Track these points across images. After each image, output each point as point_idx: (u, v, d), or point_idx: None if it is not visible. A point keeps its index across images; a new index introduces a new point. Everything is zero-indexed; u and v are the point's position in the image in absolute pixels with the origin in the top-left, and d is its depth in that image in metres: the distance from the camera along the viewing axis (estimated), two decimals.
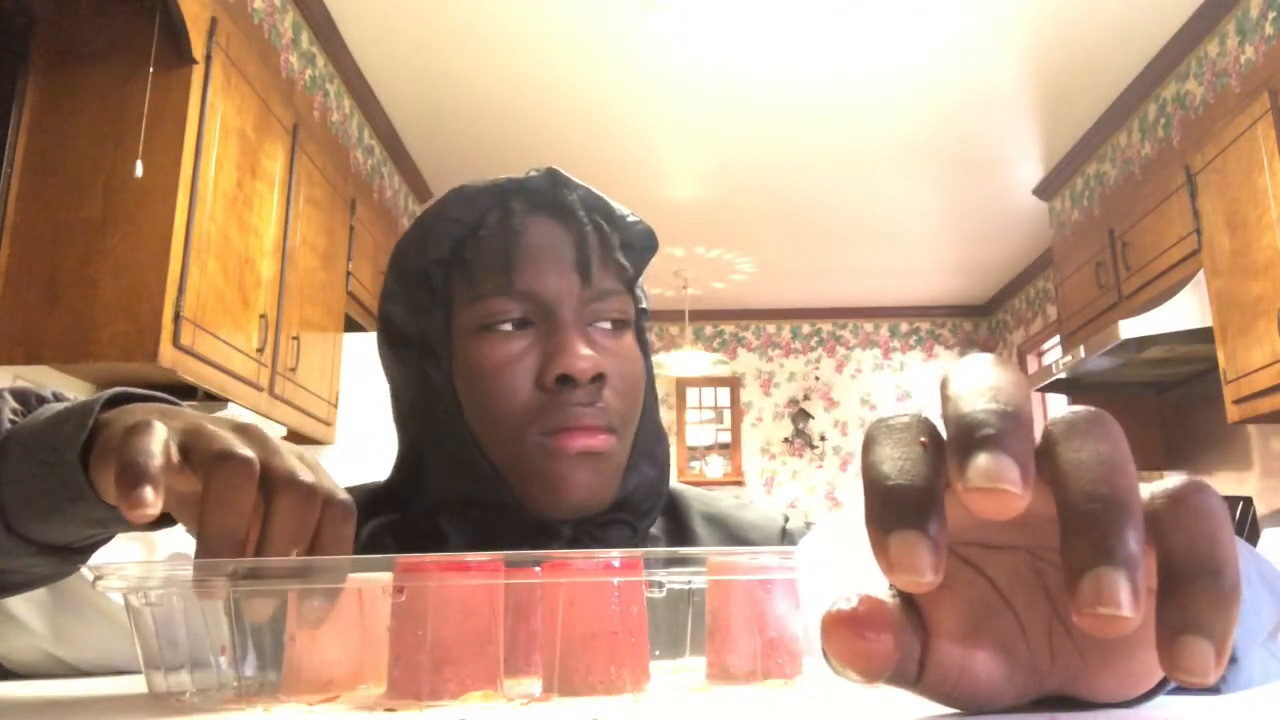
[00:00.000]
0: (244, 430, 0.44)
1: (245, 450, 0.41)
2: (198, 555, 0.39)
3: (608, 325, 0.68)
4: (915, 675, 0.30)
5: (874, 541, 0.26)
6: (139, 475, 0.39)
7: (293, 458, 0.43)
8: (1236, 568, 0.25)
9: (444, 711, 0.34)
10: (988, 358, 0.29)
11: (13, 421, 0.48)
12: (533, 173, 0.70)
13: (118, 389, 0.48)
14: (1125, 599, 0.24)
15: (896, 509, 0.26)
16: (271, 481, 0.41)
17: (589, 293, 0.67)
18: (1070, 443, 0.27)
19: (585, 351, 0.64)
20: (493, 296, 0.65)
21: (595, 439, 0.64)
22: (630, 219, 0.71)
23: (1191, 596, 0.24)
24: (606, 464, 0.65)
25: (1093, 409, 0.28)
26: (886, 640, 0.28)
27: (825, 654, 0.29)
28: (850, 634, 0.28)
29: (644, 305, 0.72)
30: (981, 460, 0.25)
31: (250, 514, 0.40)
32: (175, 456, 0.42)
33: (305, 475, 0.42)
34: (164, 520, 0.47)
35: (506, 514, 0.65)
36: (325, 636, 0.38)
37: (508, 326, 0.65)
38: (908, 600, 0.30)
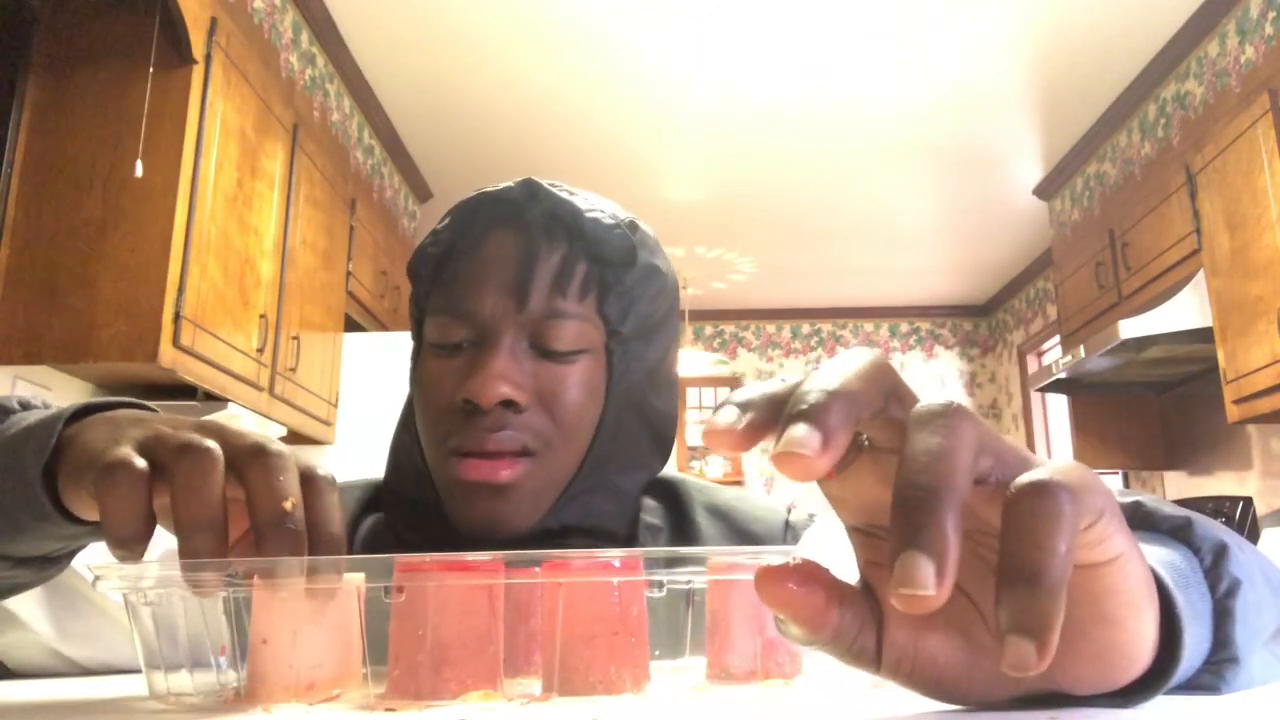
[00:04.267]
0: (202, 425, 0.43)
1: (205, 441, 0.41)
2: (180, 552, 0.39)
3: (548, 350, 0.64)
4: (875, 656, 0.32)
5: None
6: (123, 542, 0.39)
7: (259, 435, 0.43)
8: (1059, 570, 0.26)
9: (444, 711, 0.34)
10: (851, 351, 0.31)
11: None
12: (511, 184, 0.68)
13: (81, 403, 0.48)
14: (927, 580, 0.25)
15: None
16: (239, 459, 0.41)
17: (529, 314, 0.64)
18: (911, 433, 0.28)
19: (496, 377, 0.61)
20: (437, 314, 0.65)
21: (498, 472, 0.61)
22: (611, 230, 0.66)
23: (1013, 599, 0.26)
24: (515, 493, 0.62)
25: (945, 401, 0.29)
26: (816, 593, 0.31)
27: (776, 623, 0.32)
28: (778, 583, 0.30)
29: (620, 328, 0.66)
30: (789, 431, 0.28)
31: (222, 501, 0.40)
32: (144, 463, 0.41)
33: (274, 445, 0.42)
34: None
35: (441, 521, 0.65)
36: (303, 639, 0.38)
37: (448, 345, 0.65)
38: (867, 586, 0.33)
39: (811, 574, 0.31)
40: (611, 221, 0.66)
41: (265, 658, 0.37)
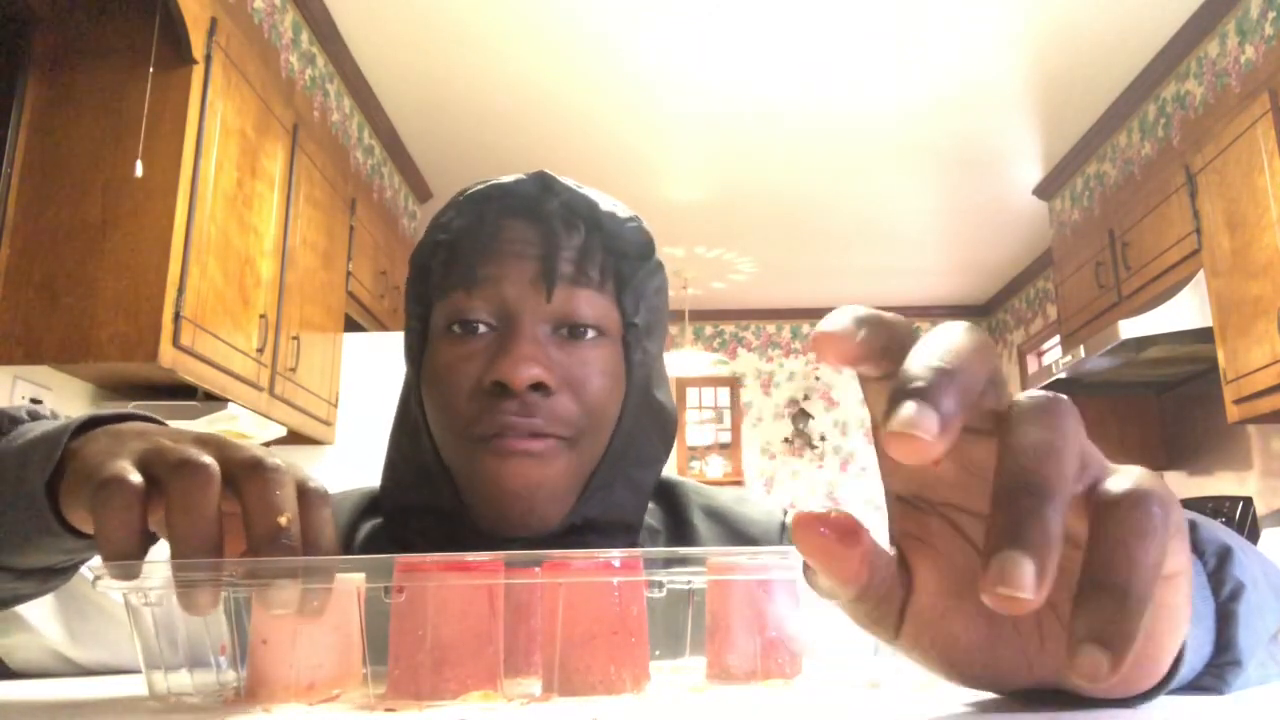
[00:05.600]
0: (202, 440, 0.43)
1: (202, 457, 0.40)
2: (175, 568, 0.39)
3: (572, 333, 0.64)
4: (894, 626, 0.31)
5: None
6: (117, 558, 0.39)
7: (257, 450, 0.42)
8: (1147, 584, 0.25)
9: (444, 711, 0.34)
10: (958, 325, 0.30)
11: None
12: (523, 177, 0.68)
13: (86, 415, 0.47)
14: (1027, 583, 0.24)
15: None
16: (236, 474, 0.41)
17: (554, 299, 0.63)
18: (1018, 425, 0.27)
19: (527, 359, 0.60)
20: (455, 301, 0.64)
21: (533, 444, 0.61)
22: (625, 224, 0.67)
23: (1096, 609, 0.25)
24: (550, 468, 0.62)
25: (1054, 395, 0.28)
26: (853, 548, 0.29)
27: (805, 573, 0.31)
28: (816, 531, 0.29)
29: (635, 320, 0.66)
30: (904, 409, 0.26)
31: (217, 517, 0.40)
32: (140, 479, 0.41)
33: (270, 459, 0.42)
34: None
35: (459, 524, 0.64)
36: (303, 639, 0.37)
37: (465, 329, 0.64)
38: (901, 556, 0.32)
39: (850, 528, 0.30)
40: (625, 215, 0.68)
41: (265, 658, 0.37)
